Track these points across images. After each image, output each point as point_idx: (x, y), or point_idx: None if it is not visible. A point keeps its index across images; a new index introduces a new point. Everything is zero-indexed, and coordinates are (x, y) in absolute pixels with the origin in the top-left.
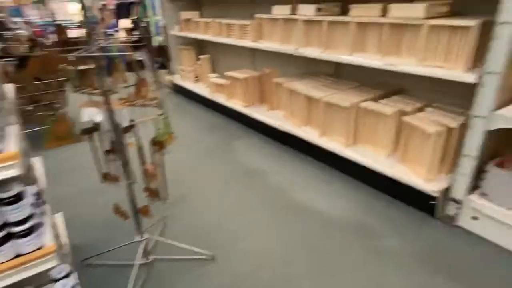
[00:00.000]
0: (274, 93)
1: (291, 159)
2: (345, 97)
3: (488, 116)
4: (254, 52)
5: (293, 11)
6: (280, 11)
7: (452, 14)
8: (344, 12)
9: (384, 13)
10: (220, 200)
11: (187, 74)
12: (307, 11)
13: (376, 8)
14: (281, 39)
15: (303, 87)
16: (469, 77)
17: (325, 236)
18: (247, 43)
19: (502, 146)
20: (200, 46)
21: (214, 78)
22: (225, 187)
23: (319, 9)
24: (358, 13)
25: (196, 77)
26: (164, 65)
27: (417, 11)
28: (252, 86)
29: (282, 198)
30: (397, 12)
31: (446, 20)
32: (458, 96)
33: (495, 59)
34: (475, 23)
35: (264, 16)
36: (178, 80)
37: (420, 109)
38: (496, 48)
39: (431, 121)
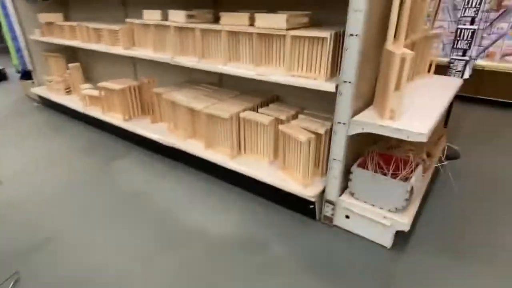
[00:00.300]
0: (156, 104)
1: (179, 174)
2: (225, 108)
3: (348, 122)
4: (134, 59)
5: (165, 17)
6: (151, 16)
7: (312, 24)
8: (217, 19)
9: (252, 22)
10: (92, 242)
11: (56, 85)
12: (177, 17)
13: (244, 17)
14: (155, 47)
15: (184, 98)
16: (330, 87)
17: (209, 261)
18: (119, 50)
19: (364, 146)
20: (72, 53)
21: (87, 89)
22: (99, 222)
23: (189, 16)
24: (227, 21)
25: (67, 88)
26: (29, 75)
27: (279, 21)
28: (131, 97)
29: (166, 224)
30: (261, 22)
31: (305, 31)
32: (325, 101)
33: (348, 69)
34: (329, 35)
35: (136, 21)
36: (45, 92)
37: (294, 116)
38: (348, 59)
39: (303, 129)
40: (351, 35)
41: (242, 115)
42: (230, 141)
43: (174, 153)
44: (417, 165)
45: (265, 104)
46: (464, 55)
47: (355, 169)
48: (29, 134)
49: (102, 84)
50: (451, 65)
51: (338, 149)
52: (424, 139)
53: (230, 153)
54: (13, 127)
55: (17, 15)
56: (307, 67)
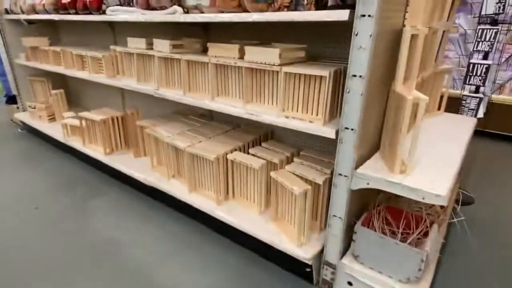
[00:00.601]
0: (140, 138)
1: (161, 218)
2: (212, 147)
3: (350, 174)
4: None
5: (150, 45)
6: (135, 44)
7: (308, 59)
8: (206, 49)
9: (242, 54)
10: None
11: (39, 111)
12: (162, 46)
13: (233, 49)
14: (138, 77)
15: (168, 133)
16: (329, 132)
17: None
18: (102, 79)
19: (368, 196)
20: (61, 78)
21: (69, 118)
22: (62, 278)
23: (175, 46)
24: (216, 52)
25: (51, 115)
26: (15, 99)
27: (271, 56)
28: (114, 129)
29: (140, 282)
30: (252, 56)
31: (300, 67)
32: (326, 140)
33: (351, 114)
34: (328, 73)
35: (118, 48)
36: (28, 118)
37: (289, 159)
38: (350, 102)
39: (298, 177)
40: (354, 76)
41: (230, 156)
42: (217, 185)
43: (157, 192)
44: (431, 223)
45: (257, 142)
46: (477, 91)
47: (359, 228)
48: (6, 164)
49: (83, 114)
50: (463, 102)
51: (339, 205)
52: (443, 203)
53: (217, 199)
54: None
55: (2, 38)
56: (302, 108)
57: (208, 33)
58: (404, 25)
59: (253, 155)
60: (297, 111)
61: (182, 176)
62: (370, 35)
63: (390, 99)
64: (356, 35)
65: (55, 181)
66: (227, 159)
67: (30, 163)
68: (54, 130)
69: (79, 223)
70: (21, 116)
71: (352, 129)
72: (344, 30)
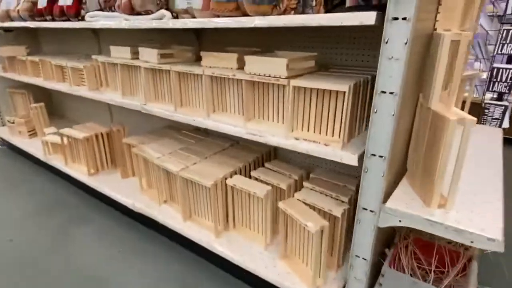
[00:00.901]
0: (128, 157)
1: (150, 250)
2: (209, 169)
3: (378, 210)
4: None
5: (136, 55)
6: (119, 53)
7: (319, 69)
8: (200, 58)
9: (242, 65)
10: None
11: (19, 127)
12: (149, 56)
13: (231, 58)
14: (123, 90)
15: (157, 153)
16: (350, 158)
17: None
18: (84, 92)
19: (398, 233)
20: (42, 90)
21: (50, 134)
22: None
23: (164, 55)
24: (210, 62)
25: (31, 131)
26: None
27: (277, 67)
28: (99, 147)
29: None
30: (253, 67)
31: (312, 81)
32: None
33: (379, 138)
34: (347, 87)
35: (101, 58)
36: (7, 134)
37: (298, 183)
38: (378, 124)
39: (311, 208)
40: (383, 92)
41: (230, 182)
42: (215, 214)
43: (149, 219)
44: (469, 259)
45: (260, 162)
46: (500, 99)
47: (387, 271)
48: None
49: (65, 130)
50: (486, 111)
51: (363, 245)
52: (499, 248)
53: (215, 229)
54: None
55: None
56: (315, 127)
57: (201, 39)
58: (435, 29)
59: (256, 178)
60: (308, 131)
61: (176, 202)
62: (405, 43)
63: (422, 115)
64: (386, 42)
65: (34, 205)
66: (226, 184)
67: (8, 183)
68: (35, 147)
69: (59, 258)
70: (0, 131)
71: (381, 156)
72: (361, 33)
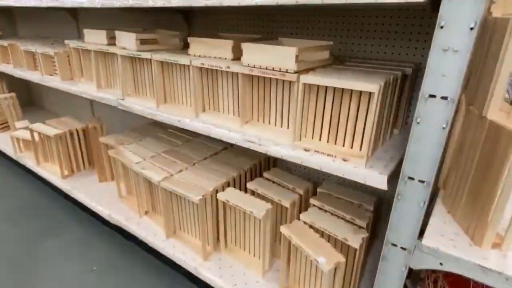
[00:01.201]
0: (105, 158)
1: (129, 268)
2: (196, 178)
3: (412, 247)
4: None
5: (113, 40)
6: (94, 38)
7: (333, 61)
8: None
9: (237, 54)
10: None
11: None
12: (126, 42)
13: (225, 46)
14: (98, 82)
15: (137, 158)
16: (379, 181)
17: None
18: (56, 82)
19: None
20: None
21: (21, 129)
22: None
23: (143, 41)
24: (199, 50)
25: (3, 124)
26: None
27: (284, 58)
28: (73, 146)
29: None
30: (252, 57)
31: (328, 78)
32: None
33: (422, 159)
34: (377, 87)
35: (72, 44)
36: None
37: (304, 200)
38: (422, 140)
39: (320, 236)
40: (432, 96)
41: (221, 196)
42: (203, 232)
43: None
44: None
45: (257, 170)
46: None
47: None
48: None
49: (36, 126)
50: None
51: (388, 287)
52: None
53: (203, 250)
54: None
55: None
56: (329, 136)
57: (190, 22)
58: (490, 12)
59: (252, 192)
60: (321, 139)
61: (158, 213)
62: (472, 28)
63: (469, 125)
64: (442, 27)
65: (4, 209)
66: (217, 199)
67: None
68: (6, 143)
69: (20, 279)
70: None
71: (422, 181)
72: (388, 17)
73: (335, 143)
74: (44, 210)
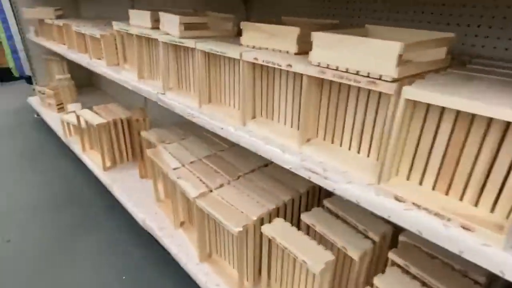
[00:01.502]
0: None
1: (160, 283)
2: (239, 199)
3: None
4: None
5: (156, 24)
6: (138, 19)
7: (451, 63)
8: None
9: (305, 48)
10: None
11: (48, 98)
12: (170, 26)
13: (287, 35)
14: (140, 71)
15: (176, 162)
16: None
17: None
18: (101, 68)
19: None
20: None
21: (71, 112)
22: None
23: (188, 26)
24: (253, 40)
25: (60, 104)
26: (30, 79)
27: (380, 58)
28: (117, 136)
29: None
30: (325, 53)
31: (453, 96)
32: None
33: None
34: None
35: (117, 26)
36: (38, 105)
37: (376, 250)
38: None
39: None
40: None
41: (267, 230)
42: (241, 266)
43: None
44: None
45: (315, 196)
46: None
47: None
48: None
49: (82, 112)
50: None
51: None
52: None
53: (239, 285)
54: None
55: (12, 6)
56: (438, 180)
57: (248, 2)
58: None
59: (307, 227)
60: (422, 183)
61: (192, 230)
62: None
63: None
64: None
65: (46, 196)
66: (261, 233)
67: (27, 164)
68: (58, 124)
69: (47, 278)
70: (33, 101)
71: None
72: None
73: (447, 193)
74: (86, 201)
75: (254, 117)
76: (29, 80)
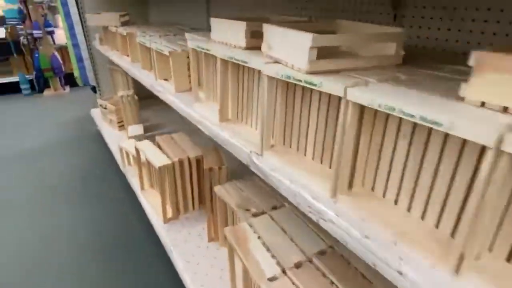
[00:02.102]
0: (222, 215)
1: None
2: None
3: None
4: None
5: (254, 41)
6: (224, 33)
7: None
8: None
9: None
10: None
11: (110, 114)
12: (287, 51)
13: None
14: (223, 110)
15: (273, 264)
16: None
17: None
18: (168, 96)
19: None
20: None
21: (132, 139)
22: None
23: (319, 52)
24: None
25: (121, 122)
26: (95, 88)
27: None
28: (182, 180)
29: None
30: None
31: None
32: None
33: None
34: None
35: (193, 43)
36: (99, 118)
37: None
38: None
39: None
40: None
41: None
42: None
43: None
44: None
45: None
46: None
47: None
48: (53, 180)
49: (142, 145)
50: None
51: None
52: None
53: None
54: (47, 163)
55: (79, 11)
56: None
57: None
58: None
59: None
60: None
61: None
62: None
63: None
64: None
65: (93, 236)
66: None
67: (77, 190)
68: (117, 147)
69: None
70: (95, 113)
71: None
72: None
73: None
74: (135, 250)
75: (273, 145)
76: (94, 89)
